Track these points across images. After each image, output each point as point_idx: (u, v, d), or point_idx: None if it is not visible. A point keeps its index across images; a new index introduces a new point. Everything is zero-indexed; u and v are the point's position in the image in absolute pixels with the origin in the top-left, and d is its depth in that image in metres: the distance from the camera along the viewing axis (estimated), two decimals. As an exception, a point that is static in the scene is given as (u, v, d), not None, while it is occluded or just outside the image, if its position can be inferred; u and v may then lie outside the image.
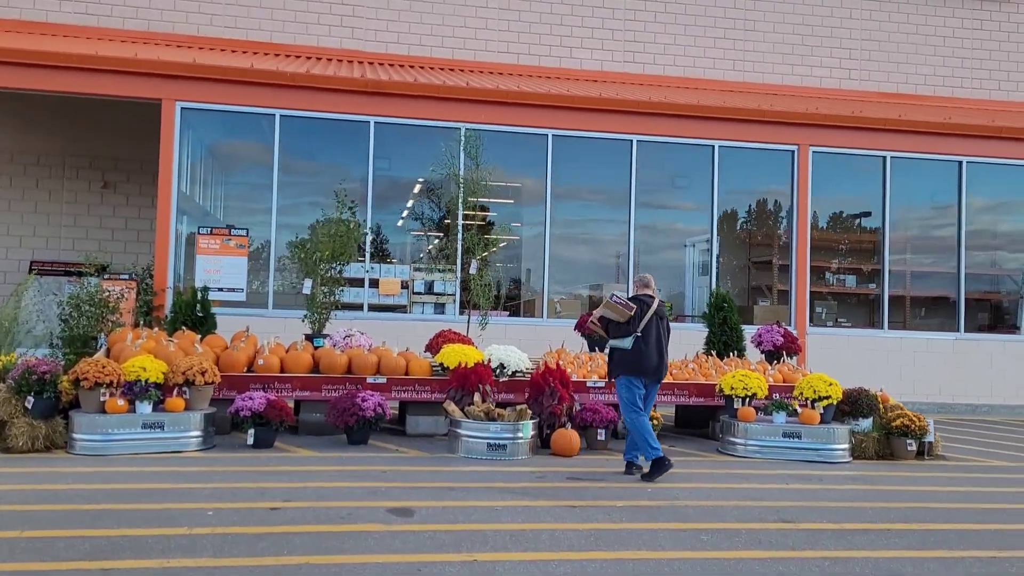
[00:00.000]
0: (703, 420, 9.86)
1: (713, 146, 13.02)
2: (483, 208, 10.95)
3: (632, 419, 7.17)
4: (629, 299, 7.32)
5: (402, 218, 13.58)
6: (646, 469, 7.12)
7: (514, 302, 13.17)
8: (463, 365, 8.57)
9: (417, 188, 13.46)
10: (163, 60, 11.53)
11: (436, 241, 13.31)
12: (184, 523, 5.20)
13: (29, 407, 7.38)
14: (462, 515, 5.65)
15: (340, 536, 5.05)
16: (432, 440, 8.72)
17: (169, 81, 11.37)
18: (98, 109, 14.33)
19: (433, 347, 9.47)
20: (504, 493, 6.36)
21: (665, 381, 8.05)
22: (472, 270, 10.49)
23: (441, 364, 8.99)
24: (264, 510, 5.62)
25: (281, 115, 11.84)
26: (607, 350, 7.59)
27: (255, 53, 14.20)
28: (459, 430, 7.95)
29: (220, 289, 11.15)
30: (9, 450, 7.21)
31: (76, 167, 14.82)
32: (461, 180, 10.61)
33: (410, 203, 13.63)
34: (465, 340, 9.51)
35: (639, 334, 7.16)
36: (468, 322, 10.42)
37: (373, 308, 12.03)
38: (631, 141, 12.79)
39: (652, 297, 7.37)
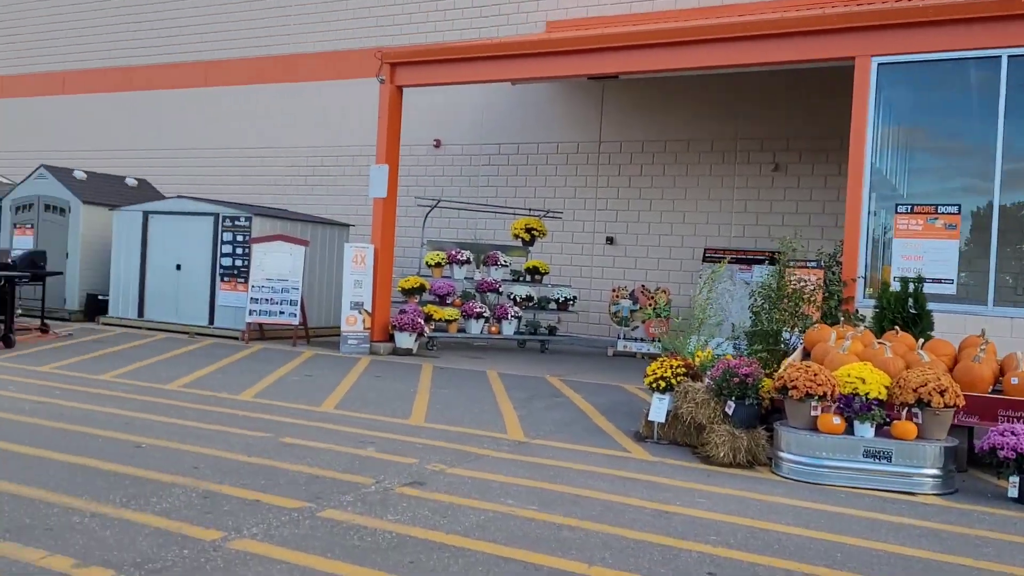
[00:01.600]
0: None
1: None
2: None
3: None
4: None
5: None
6: None
7: None
8: None
9: None
10: (855, 12, 9.91)
11: None
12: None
13: (729, 412, 6.47)
14: None
15: None
16: None
17: (862, 34, 9.64)
18: (768, 86, 13.57)
19: None
20: None
21: None
22: None
23: None
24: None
25: (1008, 55, 9.12)
26: None
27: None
28: None
29: (923, 279, 9.06)
30: (709, 459, 6.39)
31: (747, 150, 14.24)
32: None
33: None
34: None
35: None
36: None
37: None
38: None
39: None
